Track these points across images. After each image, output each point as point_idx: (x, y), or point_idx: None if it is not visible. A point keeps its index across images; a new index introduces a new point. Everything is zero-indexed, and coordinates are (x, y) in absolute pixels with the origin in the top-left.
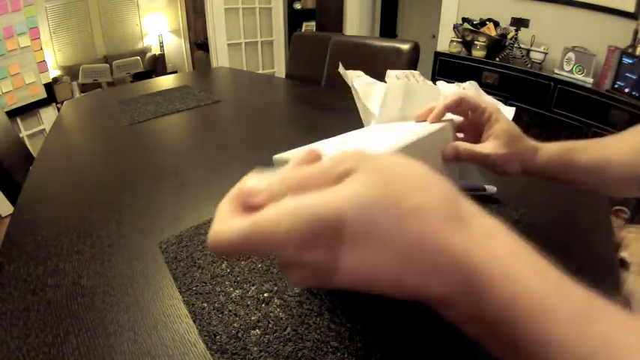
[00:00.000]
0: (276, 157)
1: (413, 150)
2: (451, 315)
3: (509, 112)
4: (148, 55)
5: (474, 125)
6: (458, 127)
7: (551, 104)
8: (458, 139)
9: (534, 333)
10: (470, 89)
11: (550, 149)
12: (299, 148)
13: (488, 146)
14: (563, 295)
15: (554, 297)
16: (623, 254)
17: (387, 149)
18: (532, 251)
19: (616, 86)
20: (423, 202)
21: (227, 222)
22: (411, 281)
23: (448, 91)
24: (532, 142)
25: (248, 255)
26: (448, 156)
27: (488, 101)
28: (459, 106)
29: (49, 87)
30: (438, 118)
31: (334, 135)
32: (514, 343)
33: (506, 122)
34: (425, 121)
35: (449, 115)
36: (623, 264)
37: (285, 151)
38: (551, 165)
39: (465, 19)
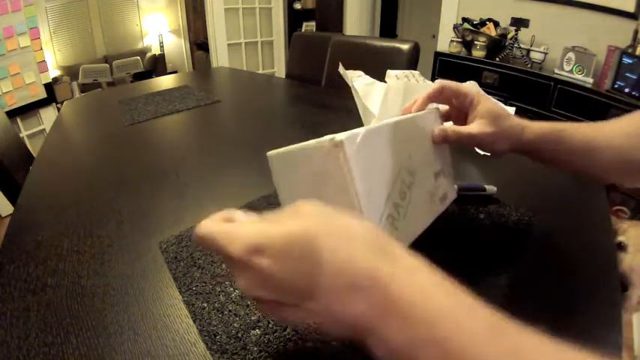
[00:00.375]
0: (270, 153)
1: (403, 127)
2: (372, 341)
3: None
4: (148, 55)
5: (459, 111)
6: (445, 116)
7: (551, 104)
8: None
9: (454, 349)
10: None
11: (538, 127)
12: (292, 146)
13: (474, 127)
14: (478, 316)
15: (471, 318)
16: (621, 238)
17: (378, 124)
18: (452, 283)
19: (616, 86)
20: (356, 233)
21: (212, 221)
22: (336, 297)
23: None
24: (519, 120)
25: (210, 250)
26: (437, 139)
27: (468, 85)
28: (440, 94)
29: (49, 87)
30: (422, 108)
31: None
32: None
33: (490, 102)
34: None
35: (434, 105)
36: (621, 247)
37: None
38: (540, 143)
39: (464, 19)
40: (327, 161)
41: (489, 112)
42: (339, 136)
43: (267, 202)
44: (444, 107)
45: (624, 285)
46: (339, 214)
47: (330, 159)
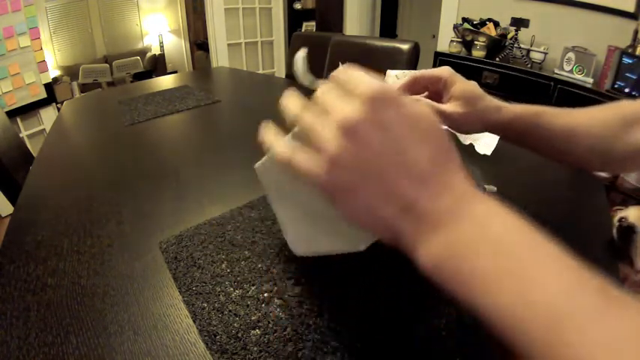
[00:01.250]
0: (257, 165)
1: None
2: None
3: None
4: (148, 55)
5: (437, 97)
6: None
7: (551, 104)
8: None
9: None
10: None
11: (515, 109)
12: (271, 154)
13: (447, 106)
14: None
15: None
16: (630, 221)
17: None
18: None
19: (616, 86)
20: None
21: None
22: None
23: None
24: (495, 101)
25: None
26: None
27: (441, 69)
28: (416, 84)
29: (49, 87)
30: None
31: None
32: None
33: (464, 82)
34: None
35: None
36: (632, 230)
37: None
38: (515, 125)
39: (464, 19)
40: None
41: (463, 93)
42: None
43: (267, 202)
44: (424, 100)
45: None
46: None
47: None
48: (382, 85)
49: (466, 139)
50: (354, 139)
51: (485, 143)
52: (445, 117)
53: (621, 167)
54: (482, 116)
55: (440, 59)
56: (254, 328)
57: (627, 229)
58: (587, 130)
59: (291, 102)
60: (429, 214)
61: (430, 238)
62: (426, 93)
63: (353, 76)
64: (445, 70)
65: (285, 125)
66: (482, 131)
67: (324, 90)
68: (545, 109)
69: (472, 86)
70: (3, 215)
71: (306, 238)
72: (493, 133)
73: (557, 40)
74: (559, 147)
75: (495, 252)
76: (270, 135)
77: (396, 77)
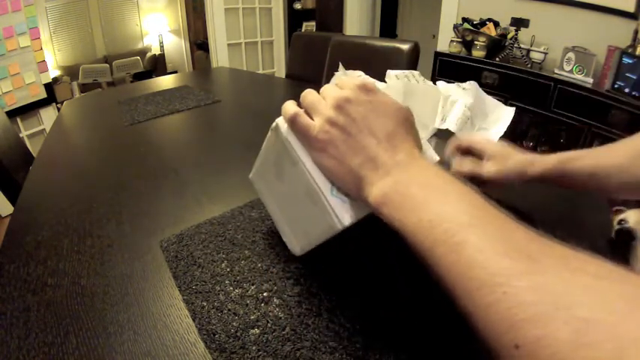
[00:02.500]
0: (251, 175)
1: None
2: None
3: (509, 112)
4: (148, 55)
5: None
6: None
7: (551, 104)
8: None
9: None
10: (470, 89)
11: (544, 162)
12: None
13: (486, 166)
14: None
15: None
16: (630, 225)
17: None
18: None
19: (616, 86)
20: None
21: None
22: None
23: (448, 91)
24: (524, 157)
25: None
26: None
27: (484, 139)
28: (461, 148)
29: (49, 87)
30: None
31: None
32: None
33: (494, 145)
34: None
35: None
36: (631, 235)
37: None
38: (546, 177)
39: (464, 19)
40: (276, 145)
41: (497, 152)
42: (276, 120)
43: None
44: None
45: None
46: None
47: (277, 142)
48: (364, 80)
49: None
50: (342, 110)
51: None
52: (485, 179)
53: None
54: (513, 175)
55: (440, 59)
56: (253, 328)
57: (626, 234)
58: (612, 164)
59: (304, 92)
60: (385, 164)
61: (383, 179)
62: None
63: (344, 79)
64: (489, 140)
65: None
66: (521, 185)
67: (325, 86)
68: (570, 155)
69: (505, 147)
70: (3, 215)
71: (297, 232)
72: (532, 183)
73: (557, 40)
74: (591, 186)
75: (423, 187)
76: (288, 102)
77: (396, 77)
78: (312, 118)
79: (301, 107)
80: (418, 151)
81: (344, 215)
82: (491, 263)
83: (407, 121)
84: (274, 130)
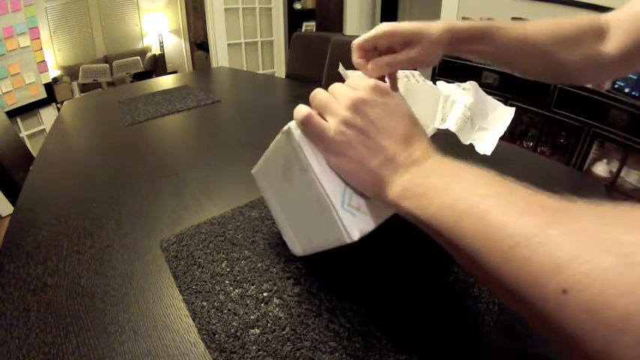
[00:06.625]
0: (254, 170)
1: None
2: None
3: (509, 112)
4: (148, 55)
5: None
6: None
7: (552, 104)
8: None
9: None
10: (470, 89)
11: (464, 24)
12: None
13: (405, 53)
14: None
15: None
16: None
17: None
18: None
19: (616, 86)
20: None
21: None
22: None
23: (448, 91)
24: (439, 23)
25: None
26: (373, 72)
27: (375, 29)
28: (363, 50)
29: (49, 87)
30: (361, 55)
31: None
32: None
33: (402, 31)
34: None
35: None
36: None
37: None
38: (468, 40)
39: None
40: (286, 149)
41: (407, 38)
42: (288, 124)
43: None
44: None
45: None
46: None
47: (287, 146)
48: (378, 82)
49: (466, 139)
50: (358, 111)
51: (486, 143)
52: (410, 63)
53: (574, 79)
54: (433, 52)
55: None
56: (253, 328)
57: None
58: (535, 40)
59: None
60: (403, 163)
61: (402, 176)
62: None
63: (356, 80)
64: (379, 27)
65: (284, 124)
66: (440, 57)
67: (335, 85)
68: (491, 25)
69: (412, 25)
70: (3, 215)
71: (301, 236)
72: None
73: None
74: (511, 58)
75: (441, 175)
76: (300, 106)
77: (396, 77)
78: (324, 118)
79: (311, 107)
80: (432, 148)
81: (353, 230)
82: (521, 221)
83: (416, 123)
84: (286, 134)
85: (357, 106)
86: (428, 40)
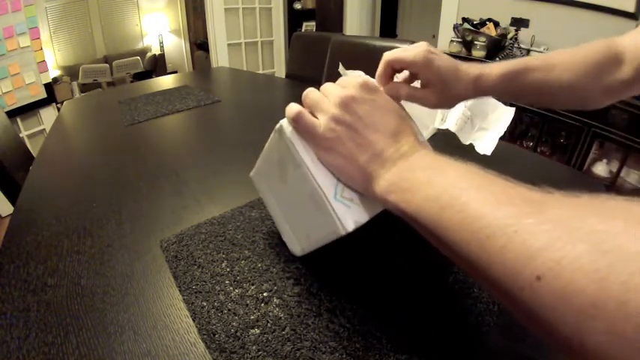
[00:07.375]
0: (252, 174)
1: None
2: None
3: (509, 112)
4: (148, 55)
5: (413, 78)
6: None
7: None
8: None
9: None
10: None
11: (489, 79)
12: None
13: (424, 93)
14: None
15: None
16: None
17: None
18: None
19: None
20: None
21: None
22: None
23: None
24: (470, 74)
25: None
26: (389, 91)
27: (415, 50)
28: (390, 68)
29: (49, 87)
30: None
31: None
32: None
33: (437, 67)
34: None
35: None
36: None
37: None
38: (496, 90)
39: (465, 19)
40: (279, 147)
41: (439, 78)
42: (280, 122)
43: None
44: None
45: None
46: None
47: (280, 144)
48: (367, 79)
49: (466, 139)
50: (347, 108)
51: (485, 143)
52: (424, 104)
53: (596, 105)
54: (459, 96)
55: None
56: (253, 328)
57: None
58: (564, 79)
59: (306, 91)
60: (390, 158)
61: (389, 170)
62: (405, 73)
63: (346, 79)
64: (419, 55)
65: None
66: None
67: (326, 85)
68: (521, 64)
69: (446, 69)
70: (3, 215)
71: (299, 233)
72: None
73: (557, 40)
74: (535, 99)
75: (425, 169)
76: (291, 104)
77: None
78: (315, 116)
79: (303, 107)
80: (419, 143)
81: (348, 221)
82: (498, 212)
83: (404, 119)
84: (278, 132)
85: (346, 103)
86: (453, 93)
